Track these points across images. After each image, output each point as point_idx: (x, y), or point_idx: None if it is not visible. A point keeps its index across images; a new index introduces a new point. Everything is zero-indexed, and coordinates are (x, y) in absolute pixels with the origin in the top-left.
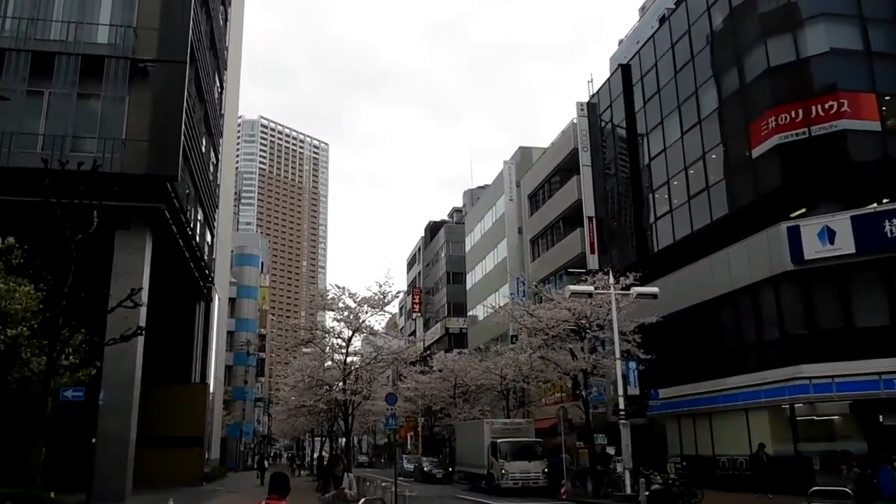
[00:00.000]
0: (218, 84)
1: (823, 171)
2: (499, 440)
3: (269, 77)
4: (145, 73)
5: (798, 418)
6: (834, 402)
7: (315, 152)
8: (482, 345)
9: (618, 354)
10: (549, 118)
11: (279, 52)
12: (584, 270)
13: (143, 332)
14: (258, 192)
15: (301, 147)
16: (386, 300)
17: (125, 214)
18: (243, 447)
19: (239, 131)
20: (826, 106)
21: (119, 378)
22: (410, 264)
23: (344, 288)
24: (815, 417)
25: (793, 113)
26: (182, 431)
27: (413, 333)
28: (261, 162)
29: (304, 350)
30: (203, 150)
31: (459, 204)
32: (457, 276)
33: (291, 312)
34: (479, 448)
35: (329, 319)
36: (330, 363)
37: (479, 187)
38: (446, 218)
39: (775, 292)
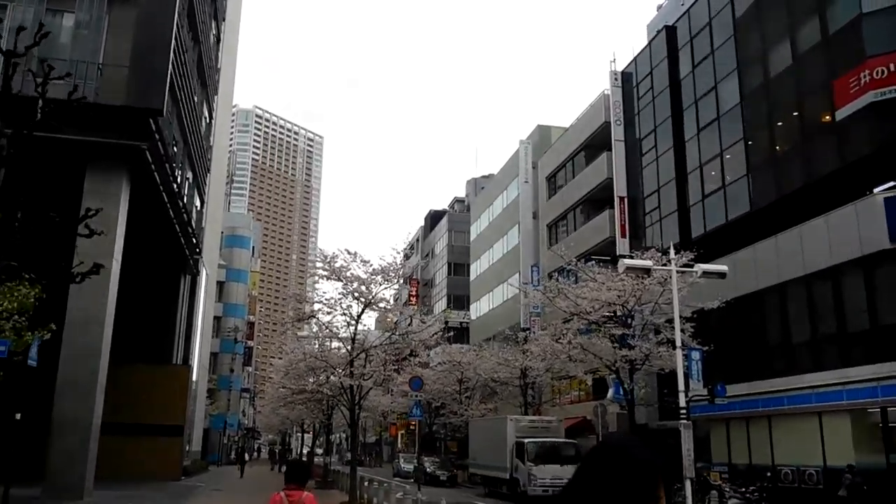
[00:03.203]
0: (215, 32)
1: None
2: (526, 440)
3: (268, 69)
4: None
5: (890, 424)
6: None
7: (309, 145)
8: (484, 340)
9: (679, 342)
10: (562, 106)
11: (278, 42)
12: (608, 258)
13: (99, 271)
14: (250, 183)
15: (295, 139)
16: (402, 270)
17: (98, 151)
18: (227, 440)
19: (233, 119)
20: None
21: (82, 349)
22: (407, 256)
23: (356, 254)
24: None
25: (891, 66)
26: (160, 419)
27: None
28: (254, 152)
29: (301, 334)
30: (196, 99)
31: (462, 194)
32: (458, 268)
33: (279, 307)
34: (500, 448)
35: (333, 291)
36: (336, 343)
37: (484, 176)
38: (447, 208)
39: (865, 275)
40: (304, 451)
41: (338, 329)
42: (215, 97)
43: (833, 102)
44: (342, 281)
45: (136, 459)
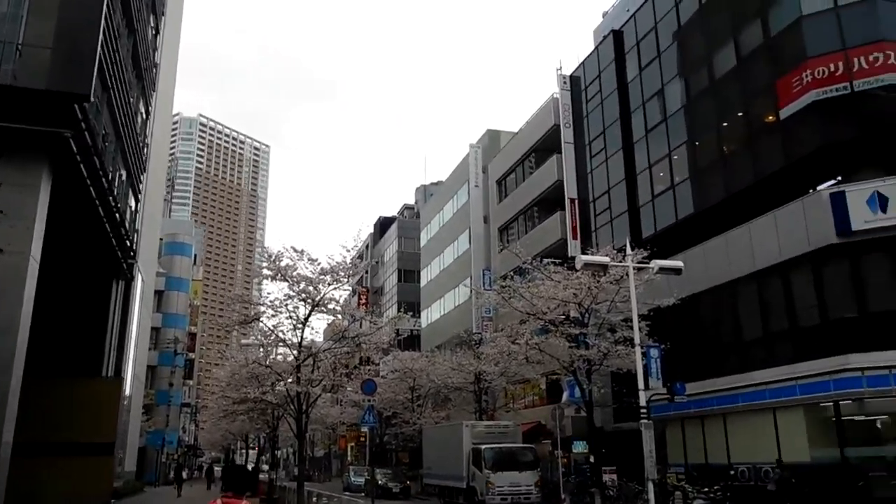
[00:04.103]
0: (153, 25)
1: (869, 132)
2: (482, 446)
3: (212, 79)
4: None
5: (843, 418)
6: (885, 399)
7: (256, 154)
8: (435, 347)
9: (637, 339)
10: (512, 112)
11: (222, 53)
12: (560, 260)
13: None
14: (194, 192)
15: (241, 148)
16: (355, 269)
17: (15, 139)
18: (165, 458)
19: (176, 126)
20: (871, 58)
21: None
22: (358, 262)
23: (302, 252)
24: (864, 417)
25: (831, 66)
26: (87, 436)
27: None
28: (198, 161)
29: (244, 342)
30: (130, 92)
31: (411, 201)
32: (409, 274)
33: (224, 317)
34: (456, 456)
35: (278, 292)
36: (283, 349)
37: (433, 183)
38: (397, 215)
39: (815, 270)
40: (249, 468)
41: (284, 333)
42: (153, 94)
43: (777, 102)
44: (288, 281)
45: (60, 482)
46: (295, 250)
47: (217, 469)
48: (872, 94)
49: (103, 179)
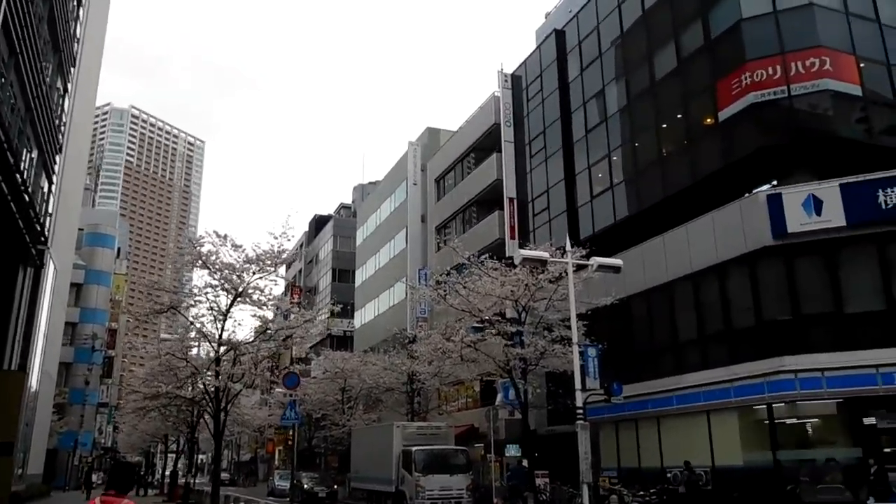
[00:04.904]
0: None
1: (805, 136)
2: (413, 448)
3: (142, 70)
4: None
5: (776, 421)
6: (816, 402)
7: (189, 149)
8: (369, 348)
9: (575, 337)
10: (452, 113)
11: (157, 45)
12: (498, 260)
13: None
14: (122, 185)
15: (174, 142)
16: (282, 257)
17: None
18: (78, 461)
19: (106, 117)
20: (808, 62)
21: None
22: (290, 262)
23: (225, 237)
24: (796, 420)
25: (770, 69)
26: None
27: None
28: (128, 154)
29: (164, 335)
30: (44, 61)
31: (348, 200)
32: (343, 274)
33: (150, 323)
34: (385, 459)
35: (197, 279)
36: (206, 344)
37: (371, 183)
38: (333, 214)
39: (751, 272)
40: (168, 472)
41: (204, 325)
42: (73, 70)
43: (716, 104)
44: (209, 268)
45: None
46: (217, 235)
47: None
48: (808, 98)
49: (8, 153)
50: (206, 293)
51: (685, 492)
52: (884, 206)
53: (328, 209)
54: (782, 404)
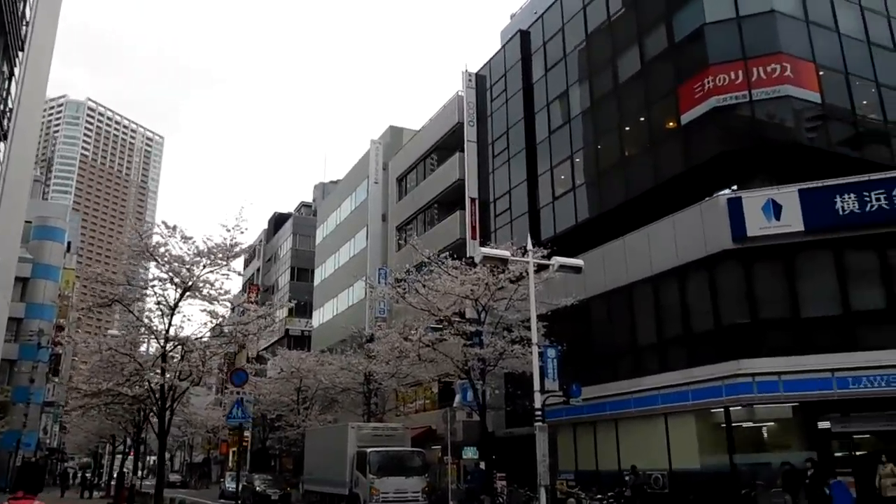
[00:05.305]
0: None
1: (765, 141)
2: (368, 449)
3: (102, 62)
4: None
5: (734, 424)
6: (772, 406)
7: (148, 144)
8: (327, 348)
9: (535, 338)
10: (416, 114)
11: (120, 38)
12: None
13: None
14: (77, 180)
15: (132, 137)
16: (234, 251)
17: None
18: (21, 462)
19: (61, 110)
20: (769, 68)
21: None
22: (249, 260)
23: (174, 228)
24: (752, 423)
25: (732, 74)
26: None
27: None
28: (83, 148)
29: (111, 332)
30: None
31: (309, 199)
32: (302, 273)
33: (104, 320)
34: (339, 460)
35: (143, 273)
36: (149, 339)
37: (333, 182)
38: (293, 212)
39: (710, 275)
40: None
41: (151, 320)
42: (20, 54)
43: (678, 108)
44: (156, 260)
45: None
46: (166, 226)
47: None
48: (769, 103)
49: None
50: (154, 286)
51: (630, 495)
52: (841, 213)
53: (289, 207)
54: (739, 407)
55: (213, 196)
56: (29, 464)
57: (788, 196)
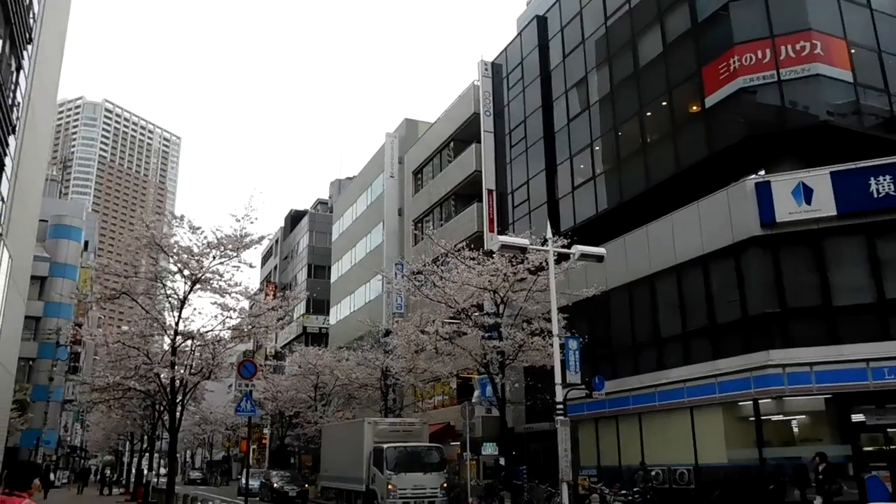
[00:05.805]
0: None
1: (795, 122)
2: (385, 445)
3: (118, 63)
4: None
5: (762, 417)
6: (804, 398)
7: (165, 144)
8: (344, 345)
9: (556, 329)
10: (431, 107)
11: (136, 39)
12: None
13: None
14: (96, 181)
15: (150, 137)
16: (244, 241)
17: None
18: (43, 460)
19: (78, 111)
20: (798, 46)
21: None
22: (265, 258)
23: (182, 218)
24: (782, 416)
25: (759, 52)
26: None
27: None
28: (101, 149)
29: (123, 328)
30: None
31: (326, 196)
32: (319, 270)
33: (124, 316)
34: (356, 456)
35: (148, 266)
36: (158, 333)
37: (349, 178)
38: (310, 209)
39: (736, 263)
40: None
41: (160, 313)
42: (29, 47)
43: (703, 90)
44: (165, 252)
45: None
46: (174, 216)
47: (105, 471)
48: (799, 83)
49: None
50: (163, 278)
51: (640, 490)
52: (875, 195)
53: (306, 204)
54: (769, 400)
55: (231, 195)
56: (20, 462)
57: (820, 179)
